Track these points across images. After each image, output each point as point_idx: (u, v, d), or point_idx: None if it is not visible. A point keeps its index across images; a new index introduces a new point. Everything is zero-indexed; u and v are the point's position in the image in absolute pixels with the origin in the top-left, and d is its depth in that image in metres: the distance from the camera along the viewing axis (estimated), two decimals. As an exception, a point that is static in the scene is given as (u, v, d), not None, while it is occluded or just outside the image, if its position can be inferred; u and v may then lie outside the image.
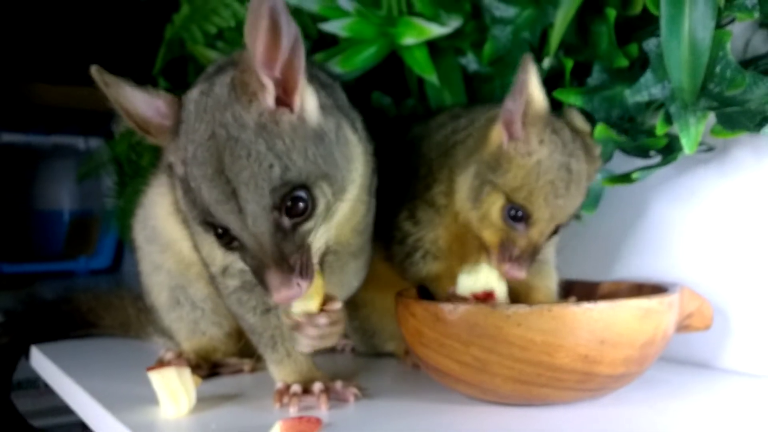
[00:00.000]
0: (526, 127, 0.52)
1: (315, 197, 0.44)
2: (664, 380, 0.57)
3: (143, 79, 0.48)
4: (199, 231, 0.52)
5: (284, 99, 0.44)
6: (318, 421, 0.46)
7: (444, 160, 0.59)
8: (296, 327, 0.49)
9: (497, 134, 0.54)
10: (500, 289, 0.52)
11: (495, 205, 0.53)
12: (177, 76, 1.03)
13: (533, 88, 0.52)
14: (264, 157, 0.42)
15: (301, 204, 0.44)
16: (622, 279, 0.65)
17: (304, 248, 0.44)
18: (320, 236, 0.46)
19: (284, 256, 0.43)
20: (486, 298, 0.51)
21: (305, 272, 0.44)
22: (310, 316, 0.49)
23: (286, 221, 0.43)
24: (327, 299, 0.50)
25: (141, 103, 0.45)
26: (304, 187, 0.43)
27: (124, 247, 1.86)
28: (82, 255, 1.80)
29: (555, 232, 0.55)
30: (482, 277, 0.52)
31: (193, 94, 0.45)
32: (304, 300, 0.48)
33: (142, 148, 1.28)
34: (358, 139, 0.51)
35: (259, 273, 0.44)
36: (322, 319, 0.49)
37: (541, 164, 0.52)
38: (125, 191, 1.34)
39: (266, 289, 0.43)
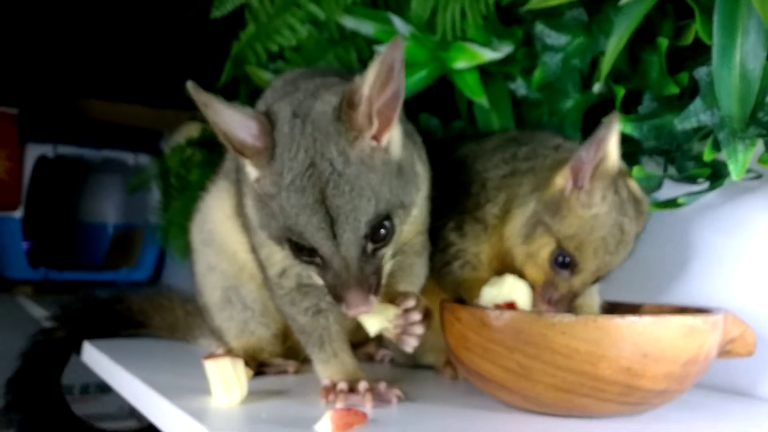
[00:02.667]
0: (594, 180, 0.53)
1: (394, 225, 0.48)
2: (705, 405, 0.57)
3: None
4: (259, 234, 0.55)
5: (377, 134, 0.47)
6: (364, 415, 0.48)
7: (501, 182, 0.61)
8: (400, 333, 0.53)
9: (562, 179, 0.55)
10: (523, 300, 0.53)
11: (545, 248, 0.55)
12: (229, 97, 1.07)
13: (611, 146, 0.53)
14: (364, 193, 0.46)
15: (383, 231, 0.48)
16: (666, 303, 0.66)
17: (380, 268, 0.49)
18: (390, 255, 0.50)
19: (365, 276, 0.47)
20: (508, 308, 0.52)
21: (377, 290, 0.48)
22: (405, 318, 0.52)
23: (370, 246, 0.48)
24: (400, 298, 0.53)
25: (236, 125, 0.46)
26: (388, 217, 0.47)
27: (164, 260, 1.91)
28: (124, 266, 1.86)
29: (595, 282, 0.57)
30: (506, 289, 0.53)
31: (284, 114, 0.47)
32: (378, 315, 0.52)
33: (192, 164, 1.34)
34: (424, 168, 0.56)
35: (337, 289, 0.47)
36: (416, 316, 0.52)
37: (598, 219, 0.53)
38: (172, 205, 1.38)
39: (342, 303, 0.47)
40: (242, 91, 1.02)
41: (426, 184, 0.57)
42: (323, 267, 0.47)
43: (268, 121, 0.47)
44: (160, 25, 1.81)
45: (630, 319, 0.47)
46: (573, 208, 0.54)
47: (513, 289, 0.55)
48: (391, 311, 0.52)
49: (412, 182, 0.50)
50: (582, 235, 0.53)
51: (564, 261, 0.54)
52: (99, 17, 1.86)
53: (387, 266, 0.50)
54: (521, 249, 0.57)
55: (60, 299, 1.40)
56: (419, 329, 0.53)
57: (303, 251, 0.47)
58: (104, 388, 1.92)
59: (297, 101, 0.48)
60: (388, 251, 0.49)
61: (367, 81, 0.45)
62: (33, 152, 1.72)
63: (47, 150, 1.76)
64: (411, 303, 0.53)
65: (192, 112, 1.34)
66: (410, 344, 0.53)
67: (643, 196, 0.57)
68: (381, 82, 0.45)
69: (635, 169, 0.59)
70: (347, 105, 0.46)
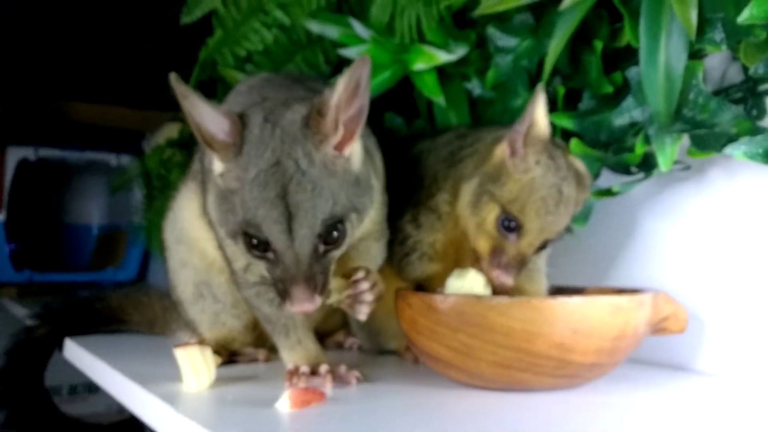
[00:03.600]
0: (526, 146, 0.58)
1: (346, 230, 0.52)
2: (640, 378, 0.62)
3: (175, 100, 0.54)
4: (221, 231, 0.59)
5: (340, 145, 0.51)
6: (322, 394, 0.52)
7: (449, 172, 0.65)
8: (351, 303, 0.57)
9: (501, 150, 0.60)
10: (483, 291, 0.58)
11: (491, 214, 0.59)
12: (207, 96, 1.11)
13: (539, 114, 0.58)
14: (324, 193, 0.49)
15: (336, 234, 0.51)
16: (607, 286, 0.70)
17: (327, 270, 0.52)
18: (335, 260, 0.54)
19: (312, 273, 0.50)
20: None
21: (323, 291, 0.51)
22: (355, 289, 0.57)
23: (322, 247, 0.51)
24: (351, 272, 0.58)
25: (210, 119, 0.50)
26: (341, 221, 0.51)
27: (149, 260, 1.93)
28: (110, 267, 1.87)
29: (543, 246, 0.60)
30: (468, 281, 0.58)
31: (257, 118, 0.51)
32: (334, 290, 0.57)
33: (172, 164, 1.36)
34: (379, 183, 0.60)
35: (284, 284, 0.50)
36: (364, 284, 0.57)
37: (535, 181, 0.57)
38: (153, 205, 1.41)
39: (287, 298, 0.50)
40: (219, 91, 1.05)
41: (380, 197, 0.61)
42: (274, 262, 0.51)
43: (241, 121, 0.51)
44: (140, 28, 1.83)
45: (561, 300, 0.52)
46: (511, 174, 0.58)
47: (474, 283, 0.59)
48: (344, 284, 0.57)
49: (367, 194, 0.54)
50: (523, 197, 0.57)
51: (509, 224, 0.58)
52: (79, 20, 1.88)
53: (332, 270, 0.53)
54: (472, 221, 0.61)
55: (41, 301, 1.43)
56: (368, 297, 0.57)
57: (257, 246, 0.51)
58: (92, 388, 1.95)
59: (269, 109, 0.52)
60: (338, 253, 0.52)
61: (336, 93, 0.49)
62: (14, 155, 1.73)
63: (28, 153, 1.76)
64: (360, 274, 0.58)
65: (173, 113, 1.37)
66: (362, 312, 0.57)
67: (585, 172, 0.61)
68: (348, 95, 0.49)
69: (573, 143, 0.63)
70: (316, 112, 0.50)
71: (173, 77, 0.49)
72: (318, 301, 0.50)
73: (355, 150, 0.53)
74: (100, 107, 1.90)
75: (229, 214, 0.51)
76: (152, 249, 1.47)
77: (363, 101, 0.50)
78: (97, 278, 1.84)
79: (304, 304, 0.50)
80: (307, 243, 0.50)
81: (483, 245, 0.60)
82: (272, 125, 0.50)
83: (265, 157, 0.49)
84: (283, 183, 0.49)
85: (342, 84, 0.49)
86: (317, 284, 0.50)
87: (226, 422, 0.46)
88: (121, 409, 1.96)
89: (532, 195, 0.57)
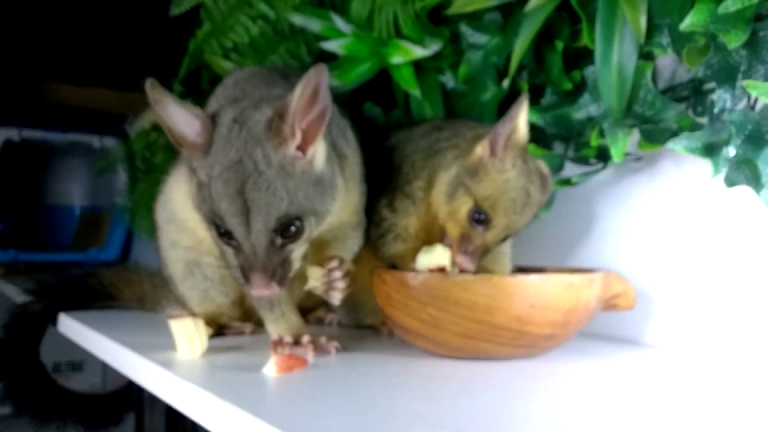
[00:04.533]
0: (507, 149, 0.63)
1: (304, 227, 0.57)
2: (592, 350, 0.69)
3: (161, 83, 0.57)
4: None
5: (302, 147, 0.56)
6: (305, 360, 0.58)
7: (426, 162, 0.71)
8: (326, 289, 0.63)
9: (482, 148, 0.65)
10: (450, 267, 0.64)
11: (464, 206, 0.65)
12: (192, 83, 1.15)
13: (521, 121, 0.63)
14: (278, 192, 0.54)
15: (293, 229, 0.56)
16: (567, 266, 0.77)
17: (286, 261, 0.57)
18: (301, 251, 0.59)
19: (270, 264, 0.55)
20: (439, 272, 0.62)
21: (281, 280, 0.56)
22: (329, 276, 0.63)
23: (279, 240, 0.56)
24: (326, 260, 0.63)
25: (181, 121, 0.55)
26: (299, 218, 0.56)
27: (132, 240, 1.97)
28: (93, 247, 1.90)
29: (504, 239, 0.67)
30: (436, 256, 0.64)
31: (226, 118, 0.55)
32: (311, 277, 0.64)
33: (156, 147, 1.40)
34: (344, 181, 0.64)
35: (245, 270, 0.56)
36: (337, 273, 0.63)
37: (509, 183, 0.63)
38: (138, 187, 1.45)
39: (247, 283, 0.56)
40: (204, 77, 1.09)
41: (356, 188, 0.67)
42: (237, 249, 0.56)
43: (211, 123, 0.56)
44: (123, 9, 1.84)
45: (519, 277, 0.58)
46: (489, 173, 0.64)
47: (442, 256, 0.65)
48: (320, 272, 0.62)
49: (328, 193, 0.59)
50: (496, 195, 0.63)
51: (479, 218, 0.64)
52: (63, 2, 1.89)
53: (296, 262, 0.58)
54: (444, 208, 0.66)
55: (30, 279, 1.47)
56: (341, 284, 0.63)
57: (223, 234, 0.56)
58: (75, 366, 1.99)
59: (240, 109, 0.56)
60: (297, 248, 0.57)
61: (294, 99, 0.54)
62: (-2, 136, 1.76)
63: (12, 134, 1.79)
64: (334, 263, 0.63)
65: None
66: (335, 297, 0.63)
67: (548, 174, 0.67)
68: (305, 101, 0.54)
69: (530, 147, 0.69)
70: (277, 117, 0.55)
71: (149, 83, 0.53)
72: (275, 288, 0.56)
73: (318, 151, 0.57)
74: (84, 89, 1.91)
75: (203, 203, 0.56)
76: (136, 230, 1.51)
77: (322, 106, 0.55)
78: (81, 258, 1.87)
79: (261, 290, 0.55)
80: (261, 236, 0.54)
81: (452, 231, 0.66)
82: (240, 126, 0.55)
83: (230, 156, 0.54)
84: (242, 180, 0.54)
85: (298, 91, 0.53)
86: (275, 273, 0.55)
87: (219, 384, 0.51)
88: (104, 387, 2.01)
89: (504, 195, 0.63)
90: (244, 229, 0.54)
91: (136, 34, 1.82)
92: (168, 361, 0.60)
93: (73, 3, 1.89)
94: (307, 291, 0.66)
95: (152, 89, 0.53)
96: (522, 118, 0.63)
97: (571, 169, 0.74)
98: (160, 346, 0.65)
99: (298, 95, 0.54)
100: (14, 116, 1.83)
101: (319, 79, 0.54)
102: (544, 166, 0.67)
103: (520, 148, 0.64)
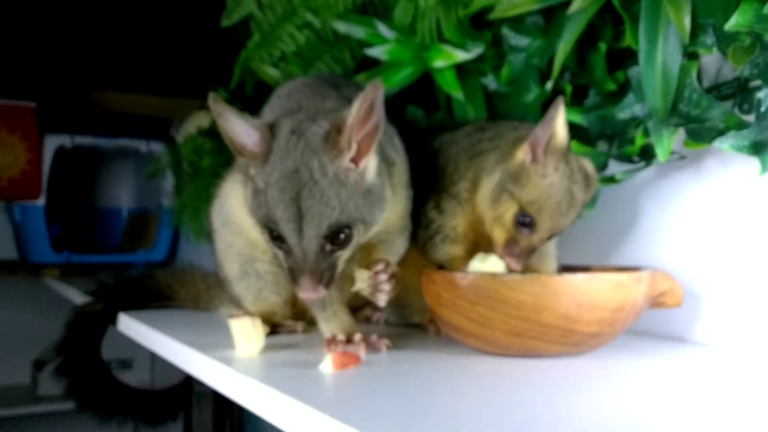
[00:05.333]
0: (547, 154, 0.65)
1: (353, 235, 0.59)
2: (639, 347, 0.69)
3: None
4: None
5: (355, 159, 0.58)
6: (358, 357, 0.60)
7: (471, 162, 0.72)
8: (372, 291, 0.66)
9: (523, 153, 0.66)
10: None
11: (509, 211, 0.66)
12: (236, 89, 1.19)
13: (559, 125, 0.64)
14: (331, 202, 0.57)
15: (342, 236, 0.59)
16: (612, 264, 0.77)
17: (334, 266, 0.59)
18: (348, 256, 0.61)
19: (318, 269, 0.58)
20: None
21: (328, 283, 0.59)
22: (375, 279, 0.65)
23: (328, 246, 0.58)
24: (372, 263, 0.65)
25: (242, 133, 0.57)
26: (348, 227, 0.59)
27: (179, 242, 2.03)
28: (141, 248, 1.97)
29: (549, 238, 0.68)
30: (489, 265, 0.65)
31: (285, 130, 0.58)
32: (358, 279, 0.66)
33: (203, 152, 1.44)
34: (392, 188, 0.66)
35: (294, 272, 0.59)
36: (383, 276, 0.65)
37: (553, 187, 0.65)
38: (185, 190, 1.50)
39: (296, 284, 0.59)
40: (248, 82, 1.13)
41: (403, 193, 0.69)
42: (288, 253, 0.59)
43: (270, 133, 0.58)
44: (168, 18, 1.90)
45: (566, 276, 0.59)
46: (532, 178, 0.65)
47: (496, 266, 0.67)
48: (366, 275, 0.65)
49: (377, 205, 0.61)
50: (541, 200, 0.65)
51: (525, 221, 0.66)
52: (110, 12, 1.95)
53: (342, 265, 0.60)
54: (489, 213, 0.68)
55: (85, 279, 1.53)
56: (386, 287, 0.65)
57: (276, 238, 0.59)
58: (125, 364, 2.06)
59: (298, 121, 0.59)
60: (345, 254, 0.60)
61: (351, 114, 0.56)
62: (52, 143, 1.83)
63: (65, 140, 1.86)
64: (380, 267, 0.66)
65: (200, 101, 1.45)
66: (380, 299, 0.66)
67: (592, 172, 0.68)
68: (362, 115, 0.56)
69: (573, 145, 0.70)
70: (335, 130, 0.57)
71: (212, 97, 0.57)
72: (322, 291, 0.58)
73: (370, 163, 0.60)
74: (131, 96, 1.98)
75: (258, 209, 0.59)
76: (183, 231, 1.56)
77: (377, 120, 0.57)
78: (130, 259, 1.94)
79: (309, 293, 0.58)
80: (313, 242, 0.57)
81: (498, 235, 0.68)
82: (297, 137, 0.58)
83: (287, 165, 0.57)
84: (298, 189, 0.56)
85: (356, 106, 0.56)
86: (323, 277, 0.58)
87: (280, 380, 0.54)
88: (153, 384, 2.08)
89: (549, 199, 0.65)
90: (297, 234, 0.57)
91: (180, 42, 1.88)
92: (228, 358, 0.63)
93: (121, 13, 1.95)
94: (354, 292, 0.68)
95: (215, 103, 0.56)
96: (560, 121, 0.64)
97: (614, 167, 0.74)
98: (218, 344, 0.69)
99: (355, 110, 0.56)
100: (66, 124, 1.90)
101: (375, 94, 0.56)
102: (588, 164, 0.68)
103: (560, 151, 0.65)
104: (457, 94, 0.85)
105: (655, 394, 0.51)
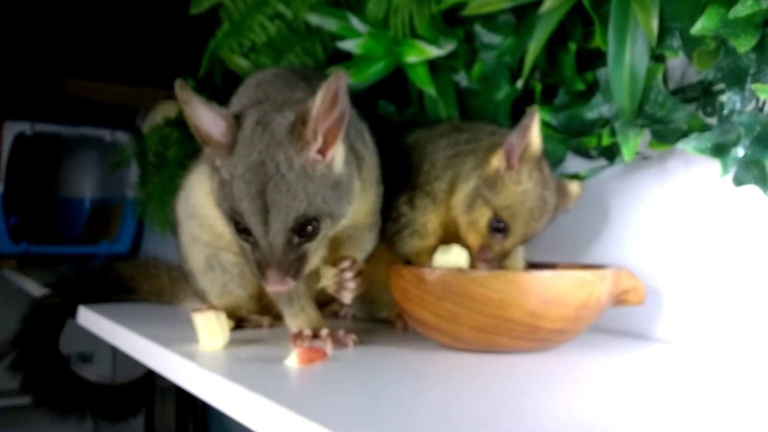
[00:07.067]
0: (522, 162, 0.65)
1: (320, 228, 0.59)
2: (602, 343, 0.70)
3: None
4: None
5: (322, 150, 0.57)
6: (324, 353, 0.60)
7: (448, 162, 0.72)
8: (338, 288, 0.65)
9: (498, 160, 0.67)
10: (464, 265, 0.66)
11: (484, 216, 0.67)
12: (204, 78, 1.17)
13: (534, 134, 0.65)
14: (298, 195, 0.56)
15: (309, 229, 0.58)
16: (578, 263, 0.78)
17: (303, 258, 0.59)
18: (319, 249, 0.61)
19: (285, 261, 0.57)
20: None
21: (296, 275, 0.58)
22: (340, 276, 0.65)
23: (296, 239, 0.58)
24: (339, 260, 0.65)
25: (208, 121, 0.56)
26: (316, 219, 0.58)
27: (143, 234, 1.98)
28: (104, 239, 1.92)
29: (522, 243, 0.69)
30: (453, 256, 0.66)
31: (251, 120, 0.57)
32: (324, 276, 0.66)
33: (170, 142, 1.42)
34: (361, 183, 0.66)
35: (260, 266, 0.58)
36: (348, 273, 0.65)
37: (527, 193, 0.66)
38: (150, 181, 1.47)
39: (263, 278, 0.58)
40: (216, 72, 1.11)
41: (372, 188, 0.68)
42: (255, 246, 0.58)
43: (236, 123, 0.57)
44: (136, 4, 1.86)
45: (532, 273, 0.59)
46: (507, 184, 0.66)
47: (458, 256, 0.67)
48: (332, 272, 0.64)
49: (345, 197, 0.61)
50: (515, 206, 0.66)
51: (499, 226, 0.66)
52: (76, -2, 1.90)
53: (313, 259, 0.60)
54: (464, 218, 0.69)
55: (45, 271, 1.49)
56: (351, 284, 0.65)
57: (242, 231, 0.58)
58: (85, 358, 2.02)
59: (263, 112, 0.58)
60: (313, 246, 0.59)
61: (315, 104, 0.55)
62: (11, 130, 1.76)
63: (25, 127, 1.80)
64: (346, 264, 0.65)
65: (167, 90, 1.42)
66: (346, 297, 0.66)
67: (576, 193, 0.71)
68: (326, 106, 0.56)
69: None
70: (299, 121, 0.56)
71: (178, 84, 0.55)
72: (290, 283, 0.58)
73: (337, 154, 0.59)
74: (95, 83, 1.93)
75: (224, 201, 0.58)
76: (147, 223, 1.52)
77: (341, 110, 0.57)
78: (92, 251, 1.89)
79: (276, 286, 0.57)
80: (279, 235, 0.56)
81: (472, 240, 0.68)
82: (263, 128, 0.57)
83: (253, 157, 0.56)
84: (264, 182, 0.56)
85: (320, 96, 0.55)
86: (290, 270, 0.57)
87: (244, 375, 0.53)
88: (114, 378, 2.04)
89: (522, 205, 0.66)
90: (263, 227, 0.56)
91: (147, 29, 1.84)
92: (192, 352, 0.62)
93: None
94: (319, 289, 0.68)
95: (181, 90, 0.55)
96: (534, 131, 0.65)
97: (580, 165, 0.75)
98: (181, 338, 0.68)
99: (319, 100, 0.55)
100: (27, 110, 1.84)
101: (338, 83, 0.55)
102: (574, 186, 0.70)
103: (535, 159, 0.66)
104: (429, 90, 0.85)
105: (618, 390, 0.52)
